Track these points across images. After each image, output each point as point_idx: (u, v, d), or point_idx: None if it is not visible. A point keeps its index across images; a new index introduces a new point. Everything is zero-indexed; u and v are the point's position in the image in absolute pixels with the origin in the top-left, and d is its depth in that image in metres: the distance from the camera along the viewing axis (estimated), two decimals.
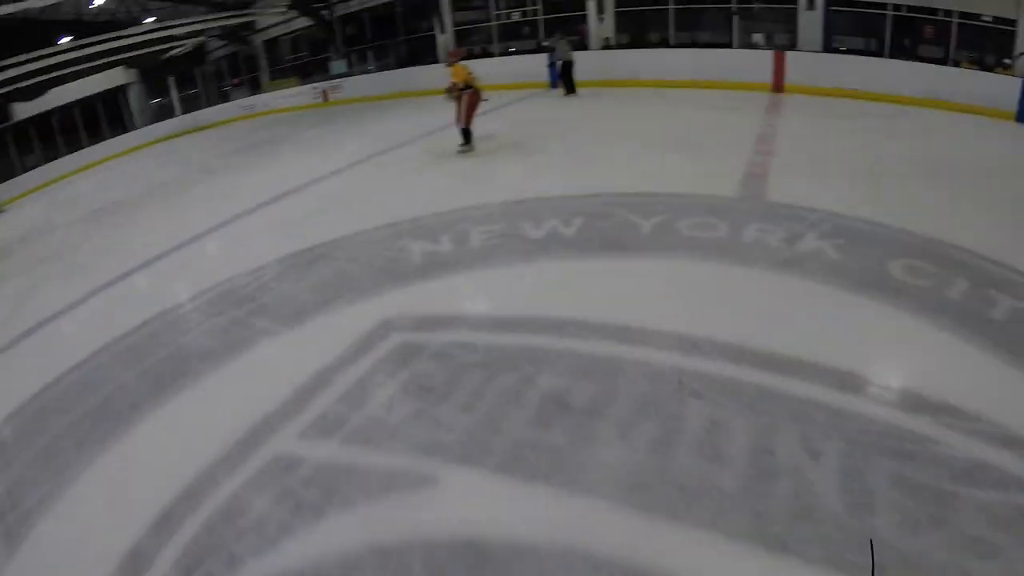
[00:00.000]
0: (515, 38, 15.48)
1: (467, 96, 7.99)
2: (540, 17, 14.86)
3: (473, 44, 15.68)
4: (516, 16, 15.33)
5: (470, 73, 8.03)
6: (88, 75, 17.84)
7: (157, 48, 18.09)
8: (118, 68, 18.78)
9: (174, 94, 20.36)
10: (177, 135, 18.45)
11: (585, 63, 12.12)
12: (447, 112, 8.67)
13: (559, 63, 12.04)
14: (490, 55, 15.34)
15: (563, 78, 11.99)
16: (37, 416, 3.76)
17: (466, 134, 8.23)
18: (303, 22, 17.95)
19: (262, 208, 7.37)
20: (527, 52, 14.68)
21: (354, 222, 5.97)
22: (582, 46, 13.28)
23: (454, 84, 8.03)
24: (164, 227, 7.53)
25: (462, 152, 8.24)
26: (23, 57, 14.86)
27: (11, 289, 6.68)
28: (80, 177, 16.10)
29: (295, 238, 5.82)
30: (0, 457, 3.42)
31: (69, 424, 3.55)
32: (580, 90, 11.96)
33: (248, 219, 7.08)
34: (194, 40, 18.94)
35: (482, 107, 8.43)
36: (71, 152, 17.64)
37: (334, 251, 5.37)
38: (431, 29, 16.06)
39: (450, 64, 8.37)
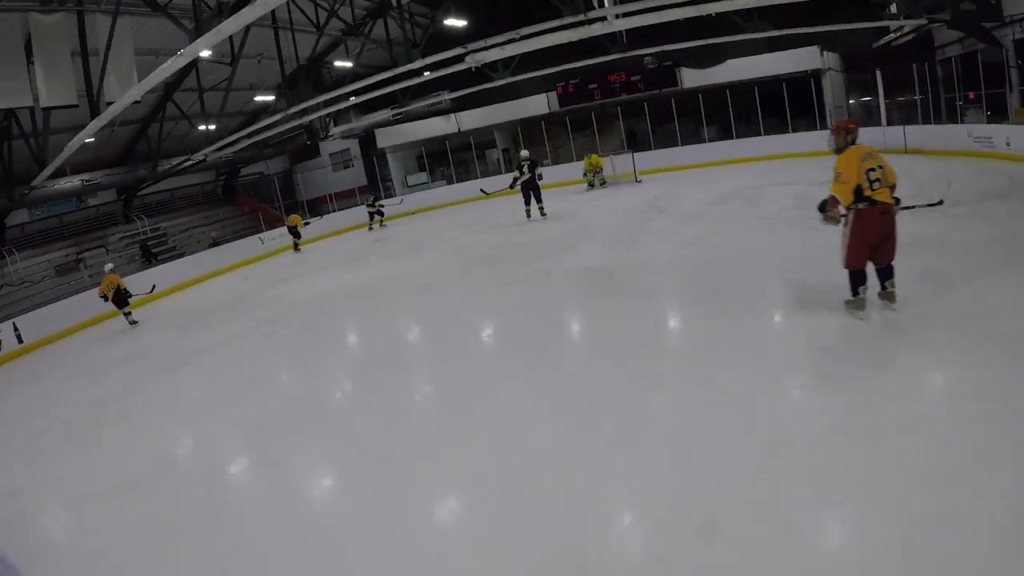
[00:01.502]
0: None
1: None
2: None
3: None
4: None
5: None
6: (776, 49, 15.39)
7: (866, 25, 13.40)
8: (812, 48, 15.29)
9: (880, 95, 15.15)
10: (883, 152, 13.19)
11: None
12: None
13: None
14: None
15: None
16: None
17: None
18: None
19: None
20: None
21: None
22: None
23: None
24: None
25: None
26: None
27: None
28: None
29: None
30: None
31: None
32: None
33: None
34: (914, 23, 13.07)
35: None
36: (743, 136, 16.35)
37: None
38: None
39: None
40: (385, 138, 21.05)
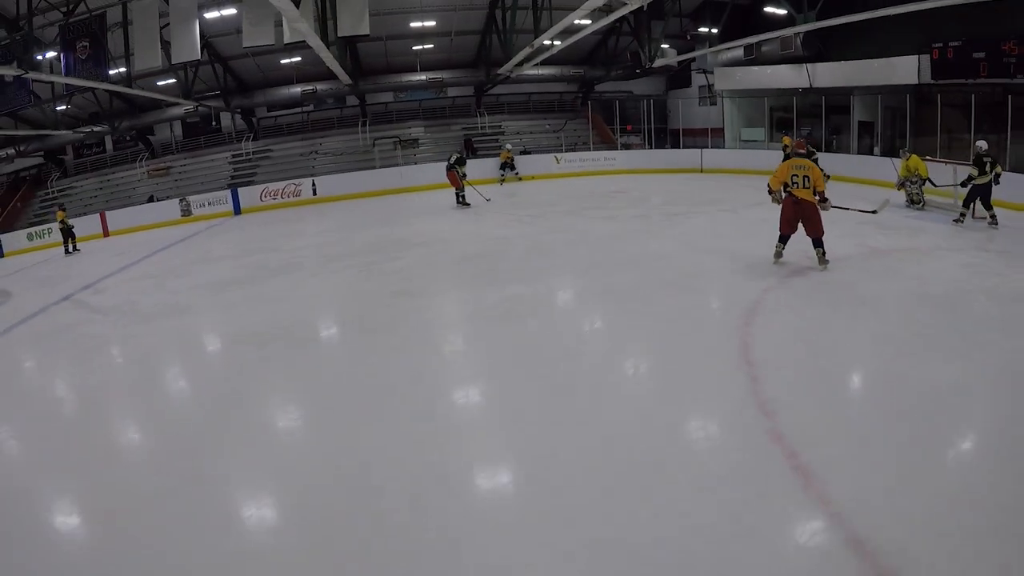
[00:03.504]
0: None
1: None
2: None
3: None
4: None
5: None
6: None
7: None
8: None
9: None
10: None
11: None
12: None
13: None
14: None
15: None
16: None
17: None
18: None
19: None
20: None
21: None
22: None
23: None
24: None
25: None
26: None
27: None
28: None
29: None
30: None
31: None
32: None
33: None
34: None
35: None
36: None
37: None
38: None
39: None
40: (724, 79, 17.75)
